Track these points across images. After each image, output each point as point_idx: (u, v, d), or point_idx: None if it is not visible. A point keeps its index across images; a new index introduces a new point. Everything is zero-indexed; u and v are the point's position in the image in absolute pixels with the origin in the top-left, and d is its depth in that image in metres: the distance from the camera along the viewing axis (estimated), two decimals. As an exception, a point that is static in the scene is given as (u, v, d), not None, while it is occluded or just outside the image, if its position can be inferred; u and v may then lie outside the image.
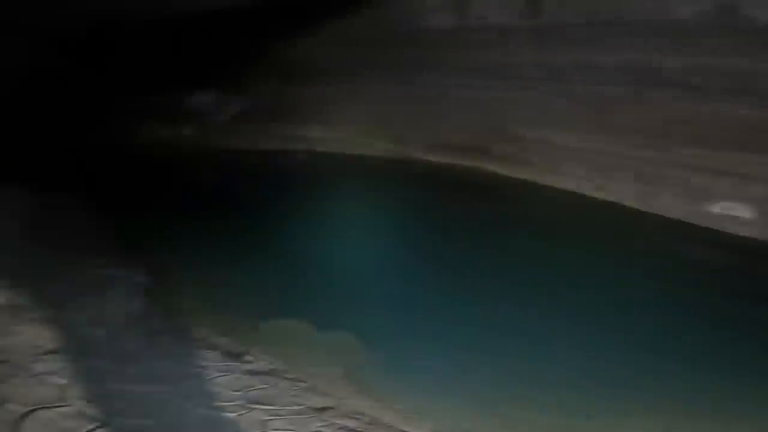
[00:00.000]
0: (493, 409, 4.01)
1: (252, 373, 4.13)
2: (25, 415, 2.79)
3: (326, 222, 7.65)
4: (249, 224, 7.58)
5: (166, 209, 7.95)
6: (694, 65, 7.44)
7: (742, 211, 7.32)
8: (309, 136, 11.33)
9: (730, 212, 7.37)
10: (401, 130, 10.70)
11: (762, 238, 7.00)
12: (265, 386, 3.95)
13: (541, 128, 9.11)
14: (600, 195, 8.35)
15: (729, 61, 7.08)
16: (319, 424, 3.55)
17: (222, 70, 12.71)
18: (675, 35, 7.49)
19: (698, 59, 7.35)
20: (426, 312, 5.42)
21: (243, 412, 3.53)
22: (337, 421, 3.61)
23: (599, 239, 7.29)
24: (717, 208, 7.49)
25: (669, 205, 7.79)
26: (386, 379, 4.38)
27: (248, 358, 4.38)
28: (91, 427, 2.83)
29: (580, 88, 8.66)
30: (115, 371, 3.74)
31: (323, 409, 3.76)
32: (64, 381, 3.44)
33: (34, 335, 4.17)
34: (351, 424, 3.62)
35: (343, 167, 10.42)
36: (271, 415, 3.56)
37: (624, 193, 8.17)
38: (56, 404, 3.06)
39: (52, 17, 10.20)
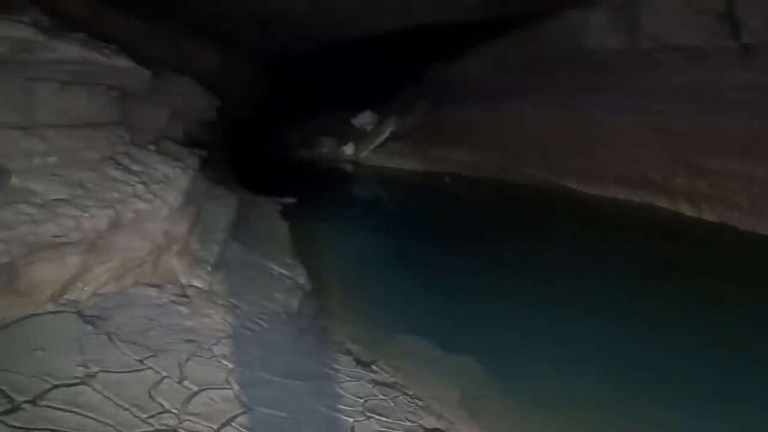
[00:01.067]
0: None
1: (376, 383, 4.52)
2: (195, 394, 3.57)
3: (471, 250, 7.82)
4: (405, 241, 8.11)
5: (332, 218, 8.96)
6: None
7: None
8: (457, 159, 11.33)
9: None
10: (556, 156, 10.01)
11: None
12: (385, 398, 4.31)
13: (735, 158, 7.49)
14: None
15: None
16: (427, 443, 3.78)
17: (380, 91, 13.45)
18: None
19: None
20: (559, 348, 5.22)
21: (360, 419, 3.93)
22: (445, 444, 3.81)
23: None
24: None
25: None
26: (501, 409, 4.41)
27: (375, 368, 4.81)
28: (238, 412, 3.50)
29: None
30: (265, 361, 4.47)
31: (434, 430, 3.98)
32: (231, 365, 4.26)
33: (219, 320, 5.17)
34: (457, 447, 3.79)
35: (488, 193, 10.17)
36: (384, 427, 3.90)
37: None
38: (221, 386, 3.83)
39: (269, 39, 11.75)
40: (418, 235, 8.51)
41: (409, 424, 4.00)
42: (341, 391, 4.27)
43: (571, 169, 9.73)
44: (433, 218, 9.30)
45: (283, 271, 6.82)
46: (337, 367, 4.68)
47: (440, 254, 7.78)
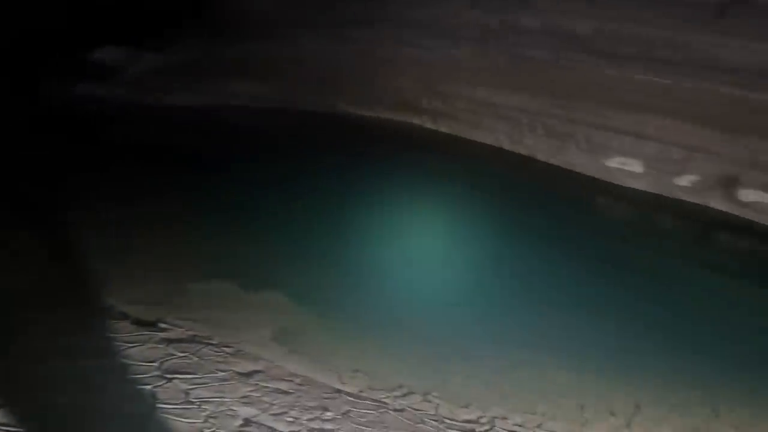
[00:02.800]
0: (429, 364, 4.01)
1: (169, 341, 3.73)
2: None
3: (251, 174, 7.28)
4: (178, 176, 6.98)
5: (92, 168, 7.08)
6: (607, 30, 7.77)
7: (635, 167, 7.88)
8: (237, 91, 10.57)
9: (624, 167, 7.92)
10: (334, 85, 10.34)
11: (648, 190, 7.66)
12: (185, 354, 3.59)
13: (468, 86, 9.20)
14: (515, 149, 8.64)
15: (639, 29, 7.51)
16: (248, 389, 3.28)
17: (139, 24, 11.50)
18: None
19: (608, 25, 7.71)
20: (350, 265, 5.29)
21: (161, 383, 3.17)
22: (268, 385, 3.37)
23: (508, 189, 7.63)
24: (614, 163, 8.02)
25: (573, 159, 8.23)
26: (319, 340, 4.19)
27: (163, 326, 3.96)
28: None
29: (509, 49, 8.86)
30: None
31: (251, 374, 3.49)
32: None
33: None
34: (283, 386, 3.40)
35: (268, 121, 9.90)
36: (194, 384, 3.23)
37: (536, 148, 8.51)
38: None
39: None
40: (191, 168, 7.49)
41: (222, 374, 3.42)
42: (127, 361, 3.36)
43: (347, 95, 10.25)
44: (201, 148, 8.33)
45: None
46: (112, 335, 3.67)
47: (216, 183, 7.02)
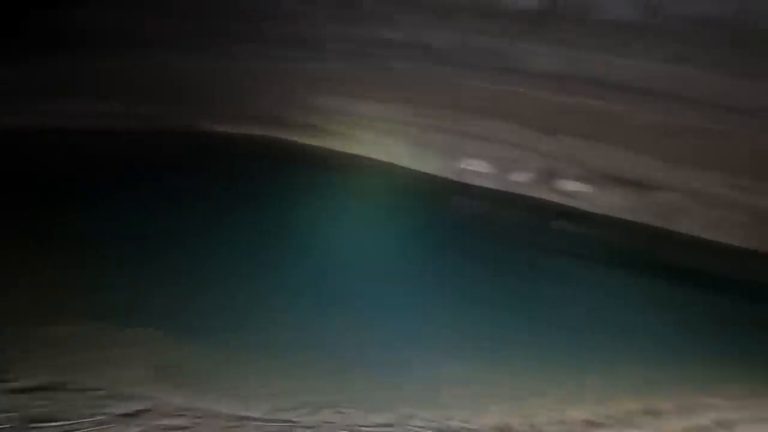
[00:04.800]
0: (332, 378, 3.97)
1: (22, 391, 3.10)
2: None
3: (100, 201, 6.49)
4: None
5: None
6: (461, 42, 8.55)
7: (482, 167, 8.90)
8: (69, 110, 9.07)
9: (474, 168, 8.91)
10: (197, 101, 9.56)
11: (495, 187, 8.73)
12: (45, 403, 3.02)
13: (335, 98, 9.39)
14: (383, 157, 9.09)
15: (488, 41, 8.42)
16: (136, 430, 2.88)
17: None
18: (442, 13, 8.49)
19: (465, 37, 8.54)
20: (226, 288, 5.00)
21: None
22: (160, 422, 2.99)
23: (375, 195, 8.09)
24: (465, 165, 8.95)
25: (431, 163, 9.00)
26: (206, 370, 3.86)
27: (10, 376, 3.27)
28: None
29: (375, 61, 9.18)
30: None
31: (136, 414, 3.07)
32: None
33: None
34: (177, 422, 3.04)
35: (127, 142, 8.82)
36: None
37: (401, 155, 9.08)
38: None
39: None
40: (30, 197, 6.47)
41: (100, 417, 2.96)
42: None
43: (209, 112, 9.60)
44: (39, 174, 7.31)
45: None
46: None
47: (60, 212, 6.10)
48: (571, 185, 8.44)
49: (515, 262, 6.68)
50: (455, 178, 8.80)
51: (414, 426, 3.40)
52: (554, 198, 8.33)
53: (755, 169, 7.22)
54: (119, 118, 9.18)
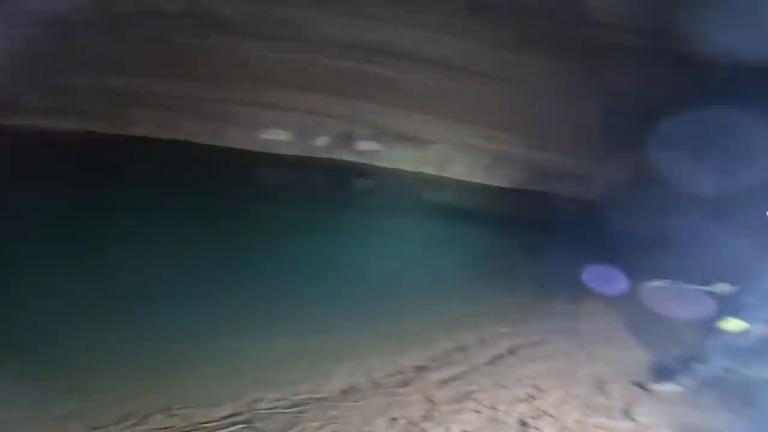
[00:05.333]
0: (151, 381, 3.59)
1: None
2: None
3: None
4: None
5: None
6: (246, 12, 7.89)
7: (283, 136, 8.88)
8: None
9: (275, 137, 8.80)
10: None
11: (297, 153, 8.95)
12: None
13: (100, 75, 7.88)
14: (173, 136, 8.20)
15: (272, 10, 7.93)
16: None
17: None
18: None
19: (249, 6, 7.86)
20: None
21: None
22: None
23: (176, 177, 7.29)
24: (267, 135, 8.77)
25: (233, 136, 8.52)
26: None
27: None
28: None
29: (147, 35, 7.84)
30: None
31: None
32: None
33: None
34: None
35: None
36: None
37: (196, 132, 8.27)
38: None
39: None
40: None
41: None
42: None
43: None
44: None
45: None
46: None
47: None
48: (365, 145, 9.14)
49: (321, 222, 7.08)
50: (258, 149, 8.64)
51: (263, 409, 3.41)
52: (353, 158, 9.01)
53: (494, 122, 9.06)
54: None
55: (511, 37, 8.03)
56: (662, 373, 3.90)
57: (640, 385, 3.74)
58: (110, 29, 7.67)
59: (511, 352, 4.27)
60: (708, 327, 3.63)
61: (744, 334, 3.41)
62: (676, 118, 7.17)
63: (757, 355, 3.59)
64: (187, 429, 3.11)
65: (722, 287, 3.63)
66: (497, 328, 4.84)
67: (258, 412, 3.33)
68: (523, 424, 3.11)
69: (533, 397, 3.45)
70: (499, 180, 9.47)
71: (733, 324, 3.42)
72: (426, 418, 3.18)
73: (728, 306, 3.54)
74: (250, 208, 6.99)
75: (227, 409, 3.35)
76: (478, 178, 9.47)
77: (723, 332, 3.47)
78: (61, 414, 3.11)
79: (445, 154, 9.29)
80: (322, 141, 8.98)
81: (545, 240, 7.73)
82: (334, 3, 8.02)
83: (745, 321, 3.39)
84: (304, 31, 8.36)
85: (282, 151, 8.75)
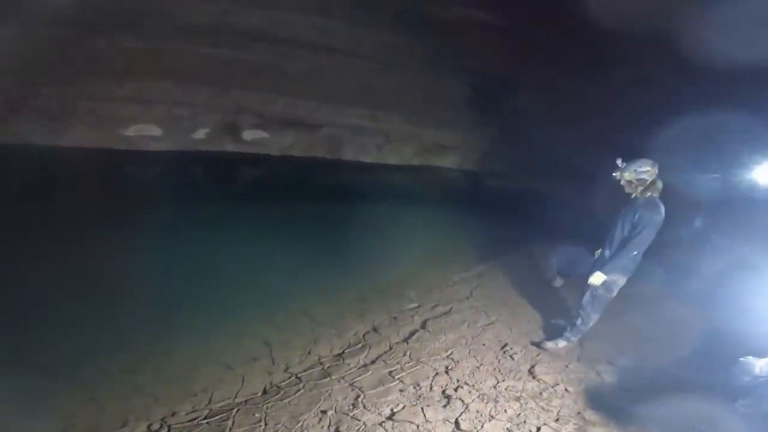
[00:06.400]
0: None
1: None
2: None
3: None
4: None
5: None
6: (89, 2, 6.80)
7: (153, 131, 8.06)
8: None
9: (144, 133, 7.94)
10: None
11: (173, 149, 8.10)
12: None
13: None
14: (5, 139, 6.83)
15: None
16: None
17: None
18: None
19: None
20: None
21: None
22: None
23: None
24: (132, 131, 7.87)
25: (83, 136, 7.39)
26: None
27: None
28: None
29: None
30: None
31: None
32: None
33: None
34: None
35: None
36: None
37: (33, 132, 7.01)
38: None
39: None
40: None
41: None
42: None
43: None
44: None
45: None
46: None
47: None
48: (250, 134, 8.69)
49: (208, 220, 6.69)
50: (123, 147, 7.63)
51: (180, 423, 3.17)
52: (239, 148, 8.46)
53: (377, 103, 9.14)
54: None
55: (386, 19, 8.17)
56: (551, 331, 4.39)
57: (537, 345, 4.17)
58: None
59: (423, 326, 4.47)
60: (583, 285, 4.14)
61: (605, 285, 3.94)
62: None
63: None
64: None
65: (597, 252, 4.14)
66: (406, 303, 5.03)
67: (174, 426, 3.09)
68: (447, 396, 3.30)
69: (450, 369, 3.67)
70: (389, 158, 9.71)
71: (596, 277, 3.95)
72: (354, 405, 3.21)
73: (597, 264, 4.05)
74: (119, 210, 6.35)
75: (139, 428, 3.06)
76: (369, 158, 9.61)
77: (592, 286, 3.99)
78: None
79: (335, 137, 9.25)
80: (201, 133, 8.32)
81: (441, 212, 8.19)
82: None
83: (604, 273, 3.92)
84: (168, 19, 7.49)
85: (155, 147, 7.88)
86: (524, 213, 8.75)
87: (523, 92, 9.04)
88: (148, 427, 3.08)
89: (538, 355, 4.06)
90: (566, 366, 3.89)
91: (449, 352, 4.01)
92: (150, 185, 7.67)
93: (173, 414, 3.20)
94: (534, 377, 3.69)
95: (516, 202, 9.17)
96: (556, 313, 4.84)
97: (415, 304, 5.08)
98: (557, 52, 8.01)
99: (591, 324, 4.18)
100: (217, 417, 3.16)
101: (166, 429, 3.06)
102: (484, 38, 8.66)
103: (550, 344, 4.20)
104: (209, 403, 3.34)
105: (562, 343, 4.19)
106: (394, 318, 4.71)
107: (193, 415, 3.20)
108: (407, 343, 4.20)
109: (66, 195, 6.60)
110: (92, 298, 4.45)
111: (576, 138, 8.41)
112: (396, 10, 8.04)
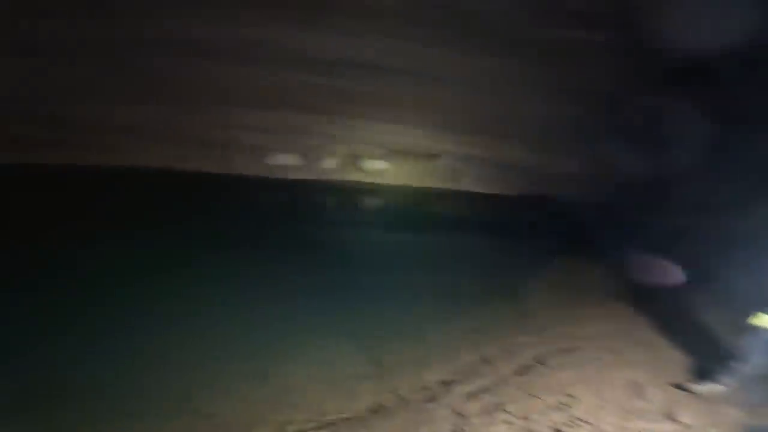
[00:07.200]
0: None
1: None
2: None
3: None
4: None
5: None
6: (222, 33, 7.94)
7: (293, 160, 8.96)
8: None
9: (285, 162, 8.88)
10: None
11: (309, 178, 8.95)
12: None
13: (87, 105, 7.77)
14: (176, 166, 8.16)
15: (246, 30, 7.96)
16: None
17: None
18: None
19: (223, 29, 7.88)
20: None
21: None
22: None
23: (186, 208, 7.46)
24: (275, 160, 8.85)
25: (240, 164, 8.56)
26: None
27: None
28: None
29: (129, 62, 7.77)
30: None
31: None
32: None
33: None
34: None
35: None
36: None
37: (201, 161, 8.30)
38: None
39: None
40: None
41: None
42: None
43: None
44: None
45: None
46: None
47: None
48: (372, 164, 9.20)
49: (333, 245, 7.09)
50: (264, 175, 8.63)
51: (294, 431, 3.36)
52: (362, 178, 9.02)
53: (492, 130, 9.06)
54: None
55: (486, 43, 8.14)
56: (701, 373, 3.77)
57: (680, 387, 3.61)
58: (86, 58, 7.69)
59: (540, 362, 4.17)
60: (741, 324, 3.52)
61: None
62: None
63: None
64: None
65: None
66: (521, 337, 4.75)
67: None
68: (559, 432, 3.02)
69: (567, 405, 3.35)
70: (508, 189, 9.47)
71: (765, 319, 3.32)
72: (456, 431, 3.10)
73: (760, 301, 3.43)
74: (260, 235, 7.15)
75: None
76: (487, 188, 9.48)
77: (757, 328, 3.36)
78: None
79: (452, 167, 9.33)
80: (330, 163, 9.07)
81: (567, 246, 7.66)
82: (312, 20, 8.01)
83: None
84: (287, 51, 8.32)
85: (291, 175, 8.81)
86: (676, 253, 7.67)
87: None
88: (266, 430, 3.32)
89: (678, 396, 3.50)
90: (713, 408, 3.29)
91: (568, 389, 3.66)
92: (293, 211, 8.46)
93: (289, 422, 3.41)
94: (672, 418, 3.18)
95: (661, 240, 8.11)
96: (705, 354, 4.15)
97: (534, 338, 4.76)
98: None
99: (752, 367, 3.49)
100: (325, 429, 3.29)
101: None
102: (609, 61, 8.17)
103: (699, 387, 3.59)
104: (320, 415, 3.49)
105: (714, 387, 3.55)
106: (508, 350, 4.47)
107: (306, 425, 3.37)
108: (520, 376, 3.94)
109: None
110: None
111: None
112: (509, 36, 8.02)
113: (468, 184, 9.53)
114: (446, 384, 3.86)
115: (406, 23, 8.06)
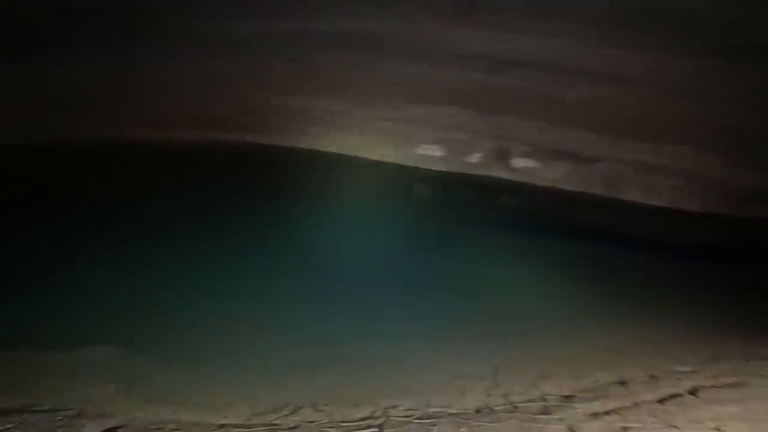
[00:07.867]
0: (303, 376, 3.94)
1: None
2: None
3: None
4: None
5: None
6: (382, 30, 8.36)
7: (437, 152, 9.17)
8: None
9: (429, 153, 9.16)
10: (108, 106, 8.98)
11: (449, 170, 9.16)
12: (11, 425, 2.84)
13: (276, 95, 9.15)
14: (335, 149, 9.14)
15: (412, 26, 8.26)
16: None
17: None
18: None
19: (389, 25, 8.29)
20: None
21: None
22: (135, 438, 2.86)
23: (336, 188, 8.36)
24: (420, 150, 9.16)
25: (387, 152, 9.17)
26: (172, 383, 3.74)
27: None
28: None
29: (306, 54, 8.85)
30: None
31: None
32: None
33: None
34: (153, 436, 2.93)
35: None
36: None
37: (352, 146, 9.09)
38: None
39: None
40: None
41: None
42: None
43: (126, 117, 9.07)
44: None
45: None
46: None
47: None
48: (520, 162, 8.86)
49: (471, 242, 6.94)
50: (412, 164, 9.07)
51: (396, 416, 3.42)
52: (506, 175, 8.80)
53: (673, 136, 7.93)
54: (24, 131, 8.47)
55: (664, 41, 7.08)
56: None
57: None
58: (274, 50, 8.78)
59: (692, 392, 3.54)
60: None
61: None
62: None
63: None
64: (330, 425, 3.29)
65: None
66: (675, 365, 4.10)
67: (391, 418, 3.36)
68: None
69: (715, 440, 2.80)
70: (688, 204, 8.16)
71: None
72: (563, 449, 2.82)
73: None
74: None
75: (365, 411, 3.46)
76: (659, 201, 8.30)
77: None
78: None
79: (615, 174, 8.41)
80: (474, 157, 9.02)
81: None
82: (471, 17, 7.95)
83: None
84: (445, 47, 8.36)
85: (434, 167, 9.00)
86: None
87: None
88: (372, 412, 3.45)
89: None
90: None
91: (720, 423, 3.04)
92: (436, 202, 8.64)
93: (393, 407, 3.49)
94: None
95: None
96: None
97: (688, 368, 4.06)
98: None
99: None
100: (427, 420, 3.28)
101: (383, 418, 3.37)
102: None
103: None
104: (426, 406, 3.50)
105: None
106: (653, 376, 3.88)
107: (409, 413, 3.40)
108: (662, 404, 3.39)
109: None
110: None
111: None
112: (698, 35, 6.90)
113: (633, 193, 8.50)
114: (567, 398, 3.54)
115: (577, 19, 7.56)
